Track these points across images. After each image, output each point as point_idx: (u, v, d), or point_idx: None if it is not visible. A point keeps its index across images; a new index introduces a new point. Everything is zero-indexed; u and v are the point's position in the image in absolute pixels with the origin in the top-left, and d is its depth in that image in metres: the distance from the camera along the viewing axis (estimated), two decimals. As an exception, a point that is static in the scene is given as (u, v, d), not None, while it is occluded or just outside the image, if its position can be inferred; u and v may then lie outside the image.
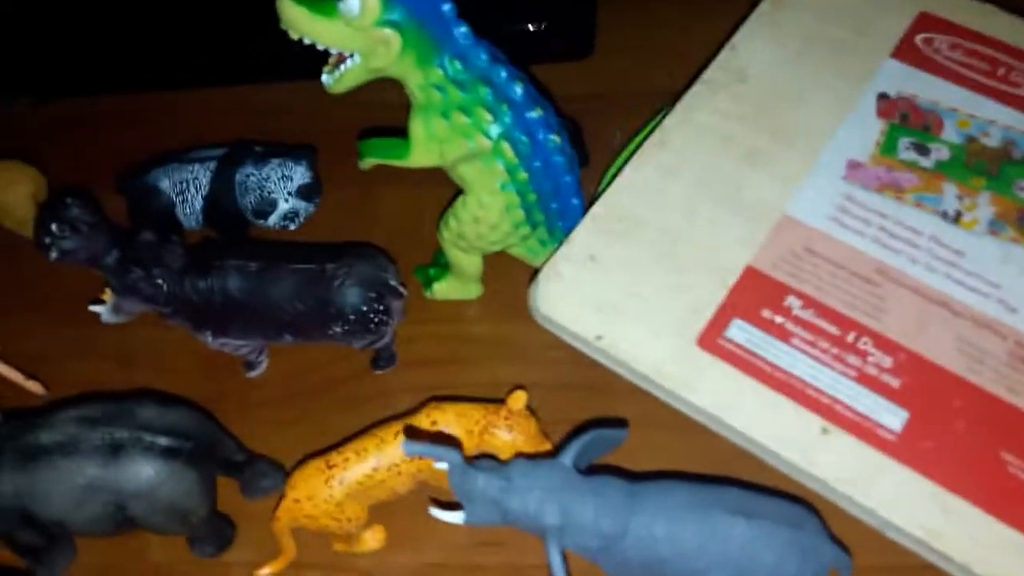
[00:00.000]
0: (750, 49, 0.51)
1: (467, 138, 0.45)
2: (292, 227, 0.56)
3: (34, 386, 0.51)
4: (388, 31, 0.42)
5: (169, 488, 0.40)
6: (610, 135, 0.61)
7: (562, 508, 0.36)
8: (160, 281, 0.47)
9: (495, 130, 0.45)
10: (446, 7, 0.44)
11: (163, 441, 0.40)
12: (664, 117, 0.49)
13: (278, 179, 0.54)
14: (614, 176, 0.49)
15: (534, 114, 0.45)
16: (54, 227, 0.45)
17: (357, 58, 0.44)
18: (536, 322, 0.45)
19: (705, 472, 0.43)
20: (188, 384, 0.52)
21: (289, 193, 0.54)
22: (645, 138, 0.49)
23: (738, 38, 0.52)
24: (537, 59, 0.63)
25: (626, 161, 0.49)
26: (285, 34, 0.44)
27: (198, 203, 0.55)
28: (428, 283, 0.54)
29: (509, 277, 0.53)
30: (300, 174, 0.54)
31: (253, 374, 0.52)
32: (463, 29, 0.44)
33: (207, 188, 0.54)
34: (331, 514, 0.41)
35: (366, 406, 0.50)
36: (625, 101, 0.62)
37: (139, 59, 0.67)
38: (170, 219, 0.55)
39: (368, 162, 0.48)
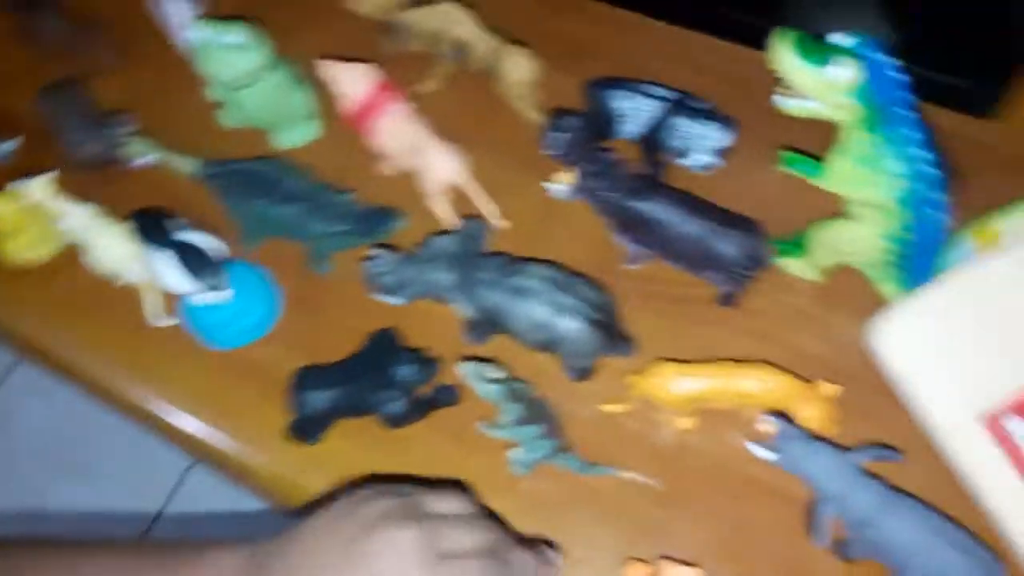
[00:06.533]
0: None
1: (873, 190, 0.57)
2: (702, 172, 0.72)
3: (501, 222, 0.71)
4: (852, 102, 0.54)
5: (586, 344, 0.61)
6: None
7: (841, 489, 0.53)
8: (610, 194, 0.65)
9: (898, 197, 0.56)
10: (904, 96, 0.53)
11: (594, 315, 0.60)
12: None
13: (701, 137, 0.69)
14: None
15: (937, 196, 0.55)
16: (557, 134, 0.64)
17: (817, 105, 0.56)
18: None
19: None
20: (587, 253, 0.70)
21: (705, 150, 0.69)
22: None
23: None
24: (936, 102, 0.70)
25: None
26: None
27: (636, 127, 0.71)
28: (782, 254, 0.68)
29: (841, 272, 0.66)
30: (719, 139, 0.69)
31: (631, 267, 0.71)
32: (910, 115, 0.54)
33: (648, 121, 0.70)
34: (670, 399, 0.61)
35: (701, 327, 0.67)
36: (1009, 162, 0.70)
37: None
38: (610, 127, 0.72)
39: (785, 169, 0.61)
